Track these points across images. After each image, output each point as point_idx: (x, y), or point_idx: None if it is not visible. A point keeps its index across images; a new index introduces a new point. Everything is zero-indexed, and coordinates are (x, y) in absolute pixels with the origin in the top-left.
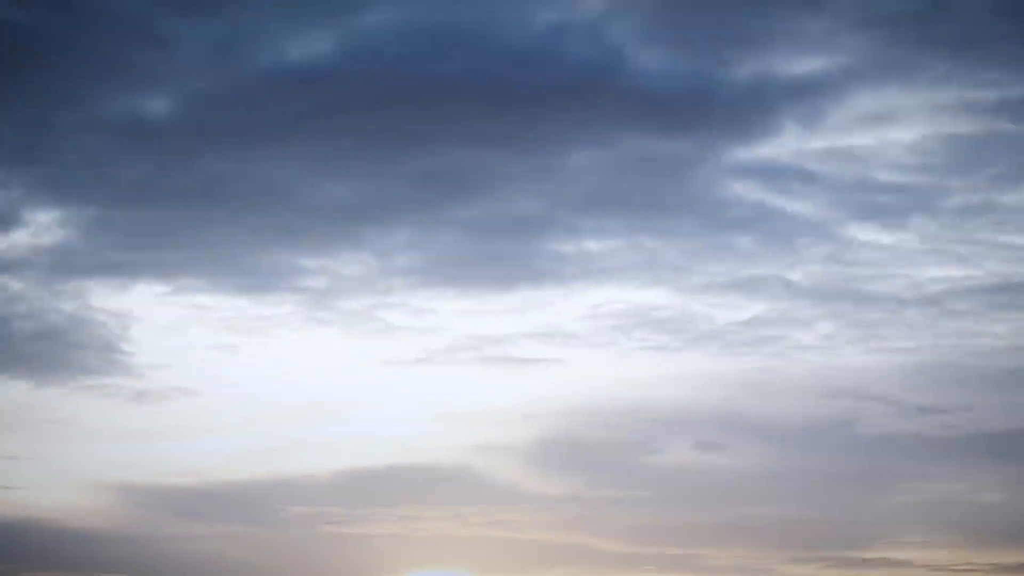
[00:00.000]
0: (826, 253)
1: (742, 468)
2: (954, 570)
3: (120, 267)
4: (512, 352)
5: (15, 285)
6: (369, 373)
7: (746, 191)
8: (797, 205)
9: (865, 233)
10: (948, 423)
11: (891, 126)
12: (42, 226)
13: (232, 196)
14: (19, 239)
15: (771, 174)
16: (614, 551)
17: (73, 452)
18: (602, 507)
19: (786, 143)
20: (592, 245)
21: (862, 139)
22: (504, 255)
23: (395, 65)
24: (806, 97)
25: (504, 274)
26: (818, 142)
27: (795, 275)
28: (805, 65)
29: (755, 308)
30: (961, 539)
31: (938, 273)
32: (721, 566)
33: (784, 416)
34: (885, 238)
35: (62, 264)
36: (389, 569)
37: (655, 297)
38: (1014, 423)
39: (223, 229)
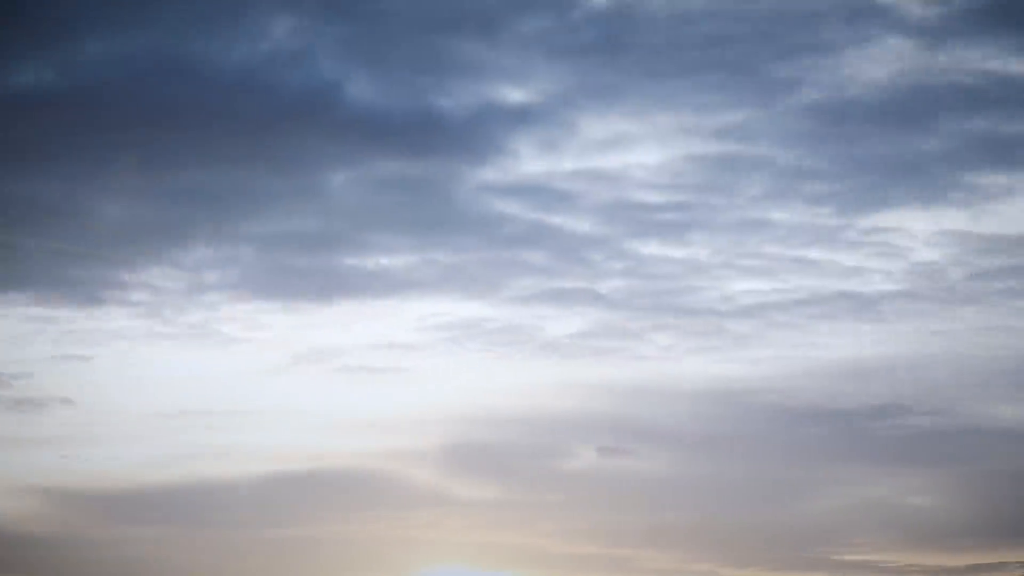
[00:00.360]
0: (623, 268)
1: (655, 473)
2: (907, 572)
3: None
4: (364, 362)
5: None
6: (237, 383)
7: (518, 210)
8: (574, 223)
9: (648, 248)
10: (842, 429)
11: (627, 150)
12: None
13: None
14: None
15: (532, 194)
16: (562, 552)
17: None
18: (529, 510)
19: (532, 165)
20: (385, 260)
21: (607, 161)
22: (307, 270)
23: (119, 91)
24: (534, 123)
25: (317, 288)
26: (565, 164)
27: (602, 289)
28: (521, 94)
29: (579, 320)
30: (902, 541)
31: (743, 286)
32: (665, 568)
33: (678, 423)
34: (675, 253)
35: None
36: (352, 571)
37: (475, 310)
38: (912, 428)
39: (29, 245)
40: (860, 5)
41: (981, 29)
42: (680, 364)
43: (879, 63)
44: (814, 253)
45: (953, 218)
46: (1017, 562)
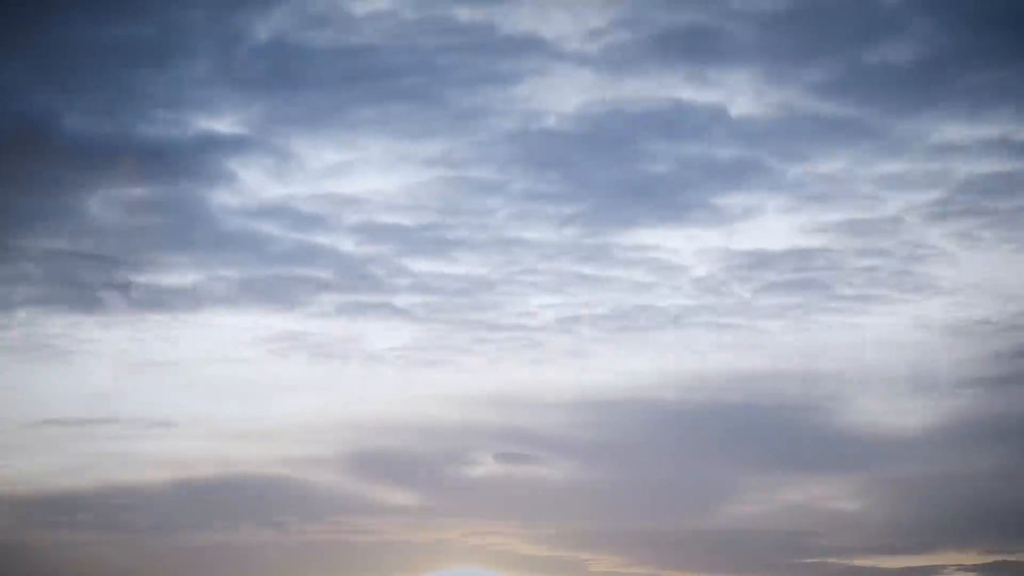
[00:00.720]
0: (410, 284)
1: (566, 479)
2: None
3: None
4: (207, 373)
5: None
6: (89, 393)
7: (279, 231)
8: (339, 243)
9: (419, 265)
10: (729, 436)
11: (351, 176)
12: None
13: None
14: None
15: (283, 217)
16: (509, 551)
17: None
18: (457, 515)
19: (269, 190)
20: (173, 279)
21: (341, 186)
22: (103, 286)
23: None
24: (251, 151)
25: (125, 303)
26: (301, 189)
27: (399, 303)
28: (225, 124)
29: (397, 334)
30: (835, 546)
31: (538, 302)
32: (605, 572)
33: (563, 431)
34: (453, 270)
35: None
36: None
37: (289, 323)
38: (800, 436)
39: None
40: (525, 39)
41: (649, 60)
42: (522, 375)
43: (562, 93)
44: (590, 269)
45: (706, 237)
46: (954, 564)
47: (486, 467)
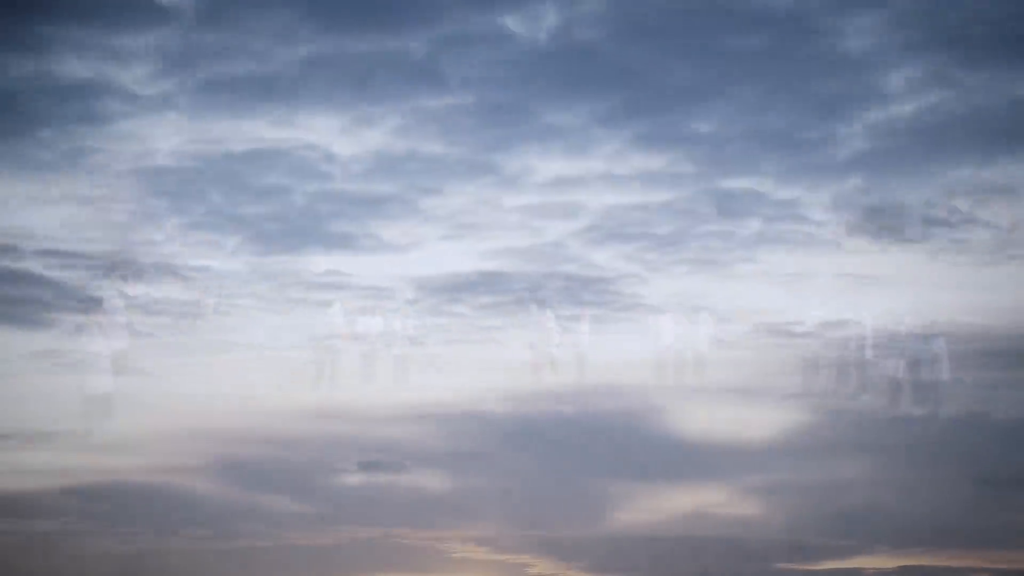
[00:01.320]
0: (129, 305)
1: (440, 487)
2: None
3: None
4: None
5: None
6: None
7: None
8: (35, 270)
9: (129, 290)
10: (580, 445)
11: (24, 210)
12: None
13: None
14: None
15: None
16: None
17: None
18: (348, 520)
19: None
20: None
21: (23, 220)
22: None
23: None
24: None
25: None
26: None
27: (139, 325)
28: None
29: (157, 354)
30: (755, 550)
31: (270, 323)
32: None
33: (415, 442)
34: (162, 294)
35: None
36: None
37: (44, 342)
38: (654, 446)
39: None
40: (98, 83)
41: (219, 106)
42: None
43: (155, 133)
44: (297, 294)
45: (384, 263)
46: (873, 568)
47: (354, 477)
